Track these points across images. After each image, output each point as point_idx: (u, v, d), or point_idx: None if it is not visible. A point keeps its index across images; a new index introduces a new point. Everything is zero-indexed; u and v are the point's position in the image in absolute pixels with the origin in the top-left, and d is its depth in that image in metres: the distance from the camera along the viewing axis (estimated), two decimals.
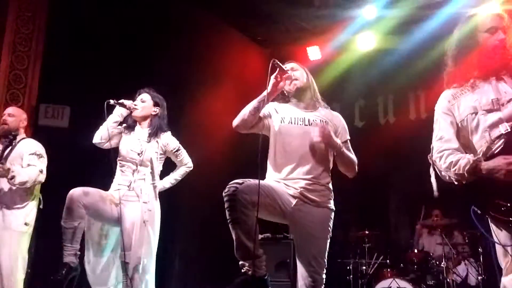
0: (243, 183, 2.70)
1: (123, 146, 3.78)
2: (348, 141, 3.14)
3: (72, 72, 5.89)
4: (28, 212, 4.11)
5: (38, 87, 5.97)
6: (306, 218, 2.90)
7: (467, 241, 6.23)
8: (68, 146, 5.43)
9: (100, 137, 3.72)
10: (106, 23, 6.18)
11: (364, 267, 6.12)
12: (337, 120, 3.15)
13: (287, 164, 2.98)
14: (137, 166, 3.70)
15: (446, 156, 2.42)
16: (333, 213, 2.99)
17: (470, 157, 2.33)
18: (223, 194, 2.70)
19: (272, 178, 3.02)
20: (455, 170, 2.35)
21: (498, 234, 2.36)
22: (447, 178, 2.43)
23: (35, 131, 5.60)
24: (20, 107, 5.69)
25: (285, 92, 3.17)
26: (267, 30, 7.78)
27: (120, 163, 3.78)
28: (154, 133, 3.79)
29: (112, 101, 3.66)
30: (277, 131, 3.06)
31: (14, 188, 4.03)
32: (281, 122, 3.07)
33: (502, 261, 2.40)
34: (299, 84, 3.12)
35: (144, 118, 3.85)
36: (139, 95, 3.90)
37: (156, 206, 3.71)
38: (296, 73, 3.13)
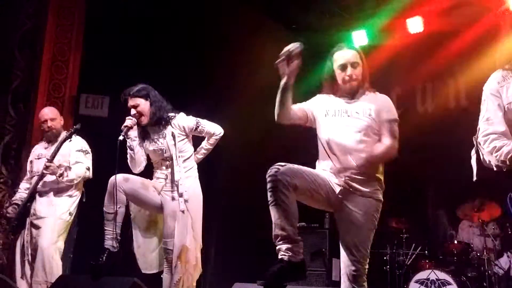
0: (285, 165, 2.69)
1: (148, 151, 3.81)
2: (392, 121, 2.97)
3: (111, 62, 6.00)
4: (72, 201, 4.28)
5: (78, 78, 6.10)
6: (350, 207, 2.85)
7: (510, 232, 6.08)
8: (107, 135, 5.54)
9: (137, 168, 3.77)
10: (143, 14, 6.26)
11: (401, 258, 6.06)
12: (380, 102, 3.01)
13: (333, 155, 2.94)
14: (167, 161, 3.71)
15: (491, 140, 2.38)
16: (380, 204, 2.92)
17: None
18: (266, 175, 2.69)
19: (320, 168, 3.00)
20: (497, 156, 2.33)
21: None
22: (488, 162, 2.40)
23: (75, 120, 5.74)
24: (62, 97, 5.87)
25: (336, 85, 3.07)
26: (302, 18, 7.72)
27: (153, 163, 3.84)
28: (157, 123, 3.71)
29: (121, 137, 3.56)
30: (322, 124, 3.04)
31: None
32: (325, 115, 3.03)
33: None
34: (355, 83, 3.00)
35: (149, 118, 3.74)
36: (124, 102, 3.76)
37: (194, 193, 3.72)
38: (356, 71, 3.00)
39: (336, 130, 2.95)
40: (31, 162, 4.45)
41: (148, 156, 3.85)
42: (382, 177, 2.98)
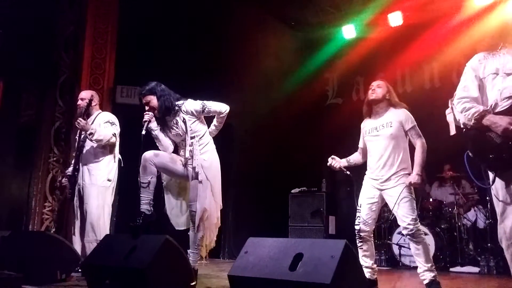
0: None
1: (170, 136, 3.76)
2: (414, 127, 3.50)
3: (142, 58, 6.00)
4: (109, 169, 4.20)
5: (114, 72, 6.10)
6: (389, 194, 3.43)
7: (476, 190, 6.07)
8: (140, 120, 5.56)
9: (167, 152, 3.74)
10: (167, 18, 6.22)
11: (386, 214, 6.08)
12: (400, 115, 3.53)
13: (372, 162, 3.56)
14: (185, 142, 3.65)
15: (463, 102, 2.45)
16: (408, 187, 3.37)
17: (481, 108, 2.37)
18: None
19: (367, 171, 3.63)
20: (466, 115, 2.39)
21: (496, 184, 2.32)
22: (457, 120, 2.47)
23: (113, 108, 5.76)
24: (101, 89, 5.88)
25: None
26: (299, 16, 7.62)
27: (177, 144, 3.80)
28: (168, 112, 3.64)
29: (143, 131, 3.57)
30: (365, 141, 3.69)
31: (94, 146, 4.15)
32: (365, 134, 3.67)
33: (496, 208, 2.36)
34: (374, 97, 3.60)
35: (160, 111, 3.66)
36: (141, 98, 3.71)
37: (212, 164, 3.66)
38: (377, 89, 3.62)
39: (371, 143, 3.59)
40: (75, 140, 4.44)
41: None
42: (407, 170, 3.54)
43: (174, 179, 3.81)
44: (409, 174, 3.41)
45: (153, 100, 3.64)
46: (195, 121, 3.67)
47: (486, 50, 2.52)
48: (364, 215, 3.49)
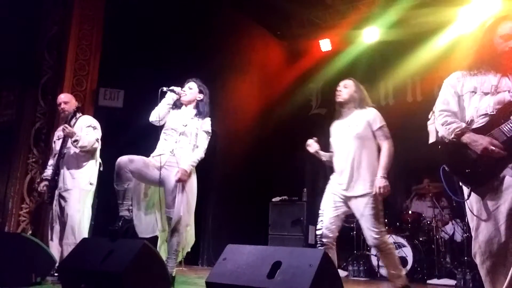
0: None
1: (170, 118, 3.76)
2: (382, 127, 3.39)
3: (126, 61, 5.96)
4: (91, 173, 4.21)
5: (98, 74, 6.05)
6: (354, 203, 3.33)
7: (454, 204, 6.16)
8: (122, 123, 5.53)
9: (157, 116, 3.70)
10: (152, 22, 6.22)
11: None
12: (367, 114, 3.43)
13: (336, 165, 3.46)
14: (179, 135, 3.68)
15: (444, 116, 2.49)
16: (374, 197, 3.27)
17: (463, 124, 2.40)
18: None
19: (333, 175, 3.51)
20: (447, 128, 2.43)
21: (471, 199, 2.36)
22: (438, 132, 2.51)
23: (95, 110, 5.71)
24: (84, 90, 5.83)
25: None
26: (285, 26, 7.70)
27: (165, 132, 3.74)
28: (199, 114, 3.77)
29: (165, 88, 3.70)
30: (331, 143, 3.60)
31: (77, 151, 4.14)
32: (331, 136, 3.58)
33: (470, 223, 2.39)
34: (340, 99, 3.53)
35: (190, 102, 3.82)
36: (187, 83, 3.87)
37: (191, 178, 3.67)
38: (344, 90, 3.53)
39: (337, 143, 3.50)
40: (54, 142, 4.41)
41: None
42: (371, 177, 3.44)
43: (141, 184, 3.74)
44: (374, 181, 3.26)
45: (194, 92, 3.83)
46: (200, 132, 3.73)
47: (465, 68, 2.55)
48: (327, 220, 3.33)
